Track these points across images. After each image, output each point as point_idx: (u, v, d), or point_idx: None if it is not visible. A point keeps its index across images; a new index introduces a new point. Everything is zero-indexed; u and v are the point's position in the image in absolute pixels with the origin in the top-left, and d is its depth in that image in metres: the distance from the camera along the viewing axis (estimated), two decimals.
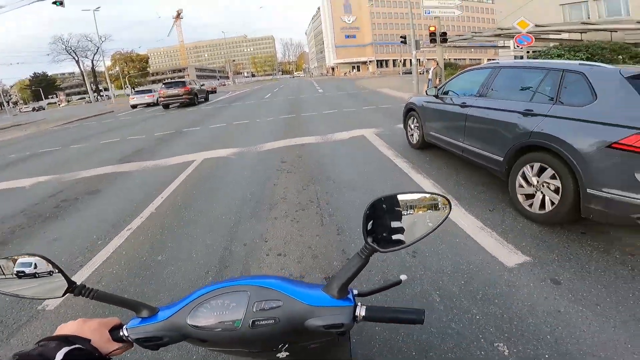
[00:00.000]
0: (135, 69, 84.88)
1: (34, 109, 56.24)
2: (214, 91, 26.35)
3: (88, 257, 3.01)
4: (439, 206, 0.70)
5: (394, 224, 0.68)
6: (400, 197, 0.69)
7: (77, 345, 0.56)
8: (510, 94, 3.52)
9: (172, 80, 20.10)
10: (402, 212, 0.69)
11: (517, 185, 3.12)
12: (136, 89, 29.67)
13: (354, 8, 79.11)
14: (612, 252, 2.44)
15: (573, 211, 2.61)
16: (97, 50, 54.08)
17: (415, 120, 5.43)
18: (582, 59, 11.16)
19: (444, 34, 15.66)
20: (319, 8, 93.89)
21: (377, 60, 78.77)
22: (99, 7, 34.19)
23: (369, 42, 78.69)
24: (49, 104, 63.73)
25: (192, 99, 19.08)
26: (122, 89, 67.98)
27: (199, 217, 3.61)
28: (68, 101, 47.03)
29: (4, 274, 0.68)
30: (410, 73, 19.59)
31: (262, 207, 3.68)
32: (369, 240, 0.67)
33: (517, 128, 3.12)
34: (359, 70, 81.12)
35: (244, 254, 2.79)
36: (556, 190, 2.73)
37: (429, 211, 0.70)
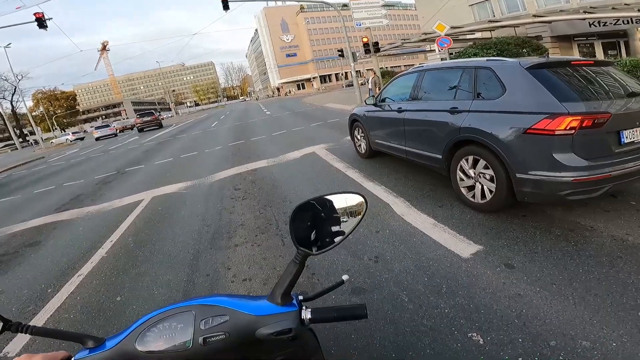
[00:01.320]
0: (62, 108, 78.33)
1: None
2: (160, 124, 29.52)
3: (40, 305, 2.87)
4: (357, 203, 0.77)
5: (320, 227, 0.75)
6: (316, 200, 0.76)
7: None
8: (437, 94, 3.77)
9: (145, 112, 29.77)
10: (323, 213, 0.75)
11: (458, 179, 3.35)
12: (96, 126, 33.58)
13: (291, 27, 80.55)
14: (553, 230, 2.68)
15: (510, 196, 2.84)
16: (15, 90, 49.19)
17: (360, 130, 5.61)
18: (492, 55, 12.37)
19: (376, 43, 16.64)
20: (256, 30, 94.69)
21: (320, 76, 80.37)
22: (9, 44, 31.39)
23: (310, 59, 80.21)
24: None
25: (159, 123, 28.83)
26: (50, 130, 62.26)
27: (154, 255, 3.43)
28: None
29: None
30: (353, 85, 20.40)
31: (220, 237, 3.60)
32: (298, 245, 0.72)
33: (447, 126, 3.36)
34: (304, 87, 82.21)
35: (209, 284, 2.72)
36: (491, 179, 2.97)
37: (349, 209, 0.76)
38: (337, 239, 0.73)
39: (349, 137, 6.50)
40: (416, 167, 4.58)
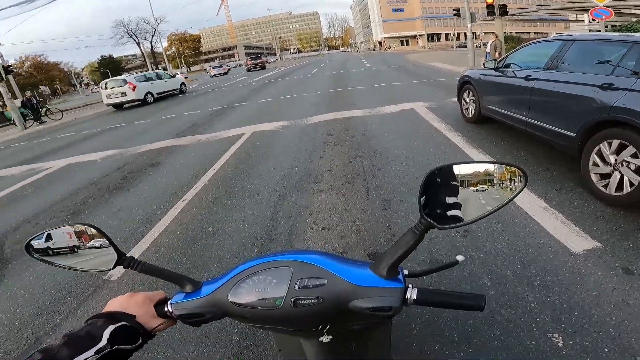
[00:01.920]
0: (189, 49, 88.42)
1: None
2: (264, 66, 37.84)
3: (148, 227, 3.18)
4: (509, 178, 0.59)
5: (449, 199, 0.60)
6: (457, 167, 0.60)
7: (122, 323, 0.56)
8: (585, 67, 3.20)
9: (255, 56, 40.68)
10: (460, 186, 0.59)
11: (590, 163, 2.80)
12: (213, 65, 44.09)
13: None
14: None
15: None
16: (154, 32, 56.84)
17: (470, 93, 5.15)
18: None
19: (504, 6, 14.53)
20: None
21: (428, 34, 73.78)
22: None
23: (418, 16, 73.96)
24: None
25: (264, 66, 37.56)
26: (178, 68, 71.34)
27: (247, 188, 3.73)
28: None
29: (59, 243, 0.68)
30: (465, 47, 18.13)
31: (308, 179, 3.71)
32: (424, 213, 0.59)
33: (594, 102, 2.78)
34: (407, 44, 76.68)
35: (289, 227, 2.82)
36: (637, 171, 2.41)
37: (495, 184, 0.59)
38: (466, 217, 0.58)
39: (454, 99, 5.90)
40: (531, 140, 3.92)
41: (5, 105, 15.27)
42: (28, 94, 17.30)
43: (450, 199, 0.60)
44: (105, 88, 15.42)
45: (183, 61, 74.46)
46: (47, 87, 62.51)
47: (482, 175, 0.60)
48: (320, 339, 0.68)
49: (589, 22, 10.86)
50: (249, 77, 23.60)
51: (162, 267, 0.67)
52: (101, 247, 0.66)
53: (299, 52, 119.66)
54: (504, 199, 0.58)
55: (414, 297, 0.60)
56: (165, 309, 0.65)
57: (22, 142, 10.16)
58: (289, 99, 10.08)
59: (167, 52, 72.93)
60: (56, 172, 5.76)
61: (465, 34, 16.27)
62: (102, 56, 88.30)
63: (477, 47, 19.62)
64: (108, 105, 15.69)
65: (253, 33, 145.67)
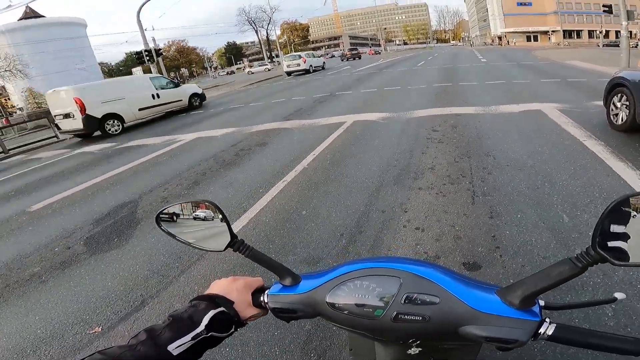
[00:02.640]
0: (299, 38, 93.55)
1: (227, 73, 69.60)
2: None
3: (251, 203, 3.42)
4: None
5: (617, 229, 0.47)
6: None
7: (221, 309, 0.57)
8: None
9: (353, 47, 49.05)
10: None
11: None
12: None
13: None
14: None
15: None
16: (270, 20, 62.34)
17: (624, 97, 4.26)
18: None
19: None
20: None
21: (564, 30, 62.55)
22: None
23: (551, 11, 63.15)
24: (237, 68, 77.86)
25: (360, 56, 41.39)
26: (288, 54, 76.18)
27: (343, 177, 3.76)
28: (250, 67, 55.88)
29: (183, 216, 0.69)
30: (614, 46, 14.95)
31: (406, 176, 3.55)
32: (599, 243, 0.47)
33: None
34: (535, 40, 66.35)
35: (381, 222, 2.73)
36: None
37: None
38: None
39: (598, 102, 4.90)
40: None
41: None
42: (172, 75, 20.66)
43: (616, 230, 0.47)
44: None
45: (293, 49, 79.12)
46: (187, 69, 73.83)
47: None
48: (409, 351, 0.62)
49: None
50: (353, 67, 23.73)
51: (268, 255, 0.66)
52: (218, 226, 0.66)
53: (405, 44, 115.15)
54: None
55: (550, 332, 0.51)
56: (261, 298, 0.64)
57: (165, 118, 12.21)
58: (393, 90, 9.82)
59: (280, 40, 78.32)
60: (187, 144, 6.77)
61: (616, 31, 13.43)
62: (228, 42, 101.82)
63: (634, 46, 15.91)
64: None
65: (358, 23, 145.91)
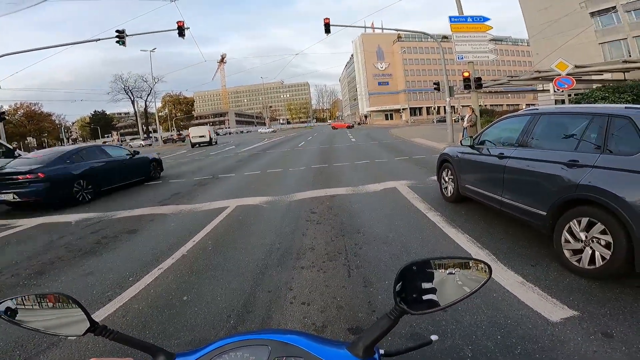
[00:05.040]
0: (182, 112, 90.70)
1: None
2: None
3: (117, 292, 3.13)
4: (476, 270, 0.69)
5: (425, 285, 0.68)
6: (433, 262, 0.70)
7: None
8: (553, 143, 3.36)
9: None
10: (435, 273, 0.69)
11: (562, 240, 2.90)
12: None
13: (387, 55, 79.78)
14: None
15: (626, 266, 2.41)
16: (151, 91, 56.13)
17: (449, 172, 5.27)
18: (627, 101, 10.50)
19: (479, 79, 14.99)
20: (352, 55, 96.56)
21: (411, 108, 77.35)
22: (154, 48, 37.86)
23: (401, 89, 77.96)
24: (104, 142, 68.49)
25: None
26: (169, 131, 71.86)
27: (227, 262, 3.64)
28: (121, 141, 50.37)
29: (32, 308, 0.70)
30: (444, 121, 19.29)
31: (289, 256, 3.66)
32: (398, 301, 0.67)
33: (561, 180, 2.94)
34: (391, 118, 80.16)
35: (268, 300, 2.77)
36: (607, 246, 2.52)
37: (464, 274, 0.69)
38: (442, 302, 0.67)
39: (434, 177, 6.18)
40: (508, 219, 4.06)
41: None
42: (14, 144, 17.18)
43: (422, 286, 0.68)
44: None
45: (174, 124, 75.80)
46: (35, 139, 61.83)
47: (454, 266, 0.69)
48: None
49: (554, 91, 12.01)
50: (238, 148, 24.39)
51: (135, 337, 0.68)
52: (73, 314, 0.68)
53: (288, 122, 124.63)
54: (472, 288, 0.67)
55: None
56: None
57: None
58: (276, 172, 10.32)
59: (160, 114, 72.12)
60: (25, 232, 5.58)
61: (444, 107, 17.38)
62: (95, 111, 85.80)
63: (455, 121, 20.47)
64: None
65: (245, 100, 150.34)
